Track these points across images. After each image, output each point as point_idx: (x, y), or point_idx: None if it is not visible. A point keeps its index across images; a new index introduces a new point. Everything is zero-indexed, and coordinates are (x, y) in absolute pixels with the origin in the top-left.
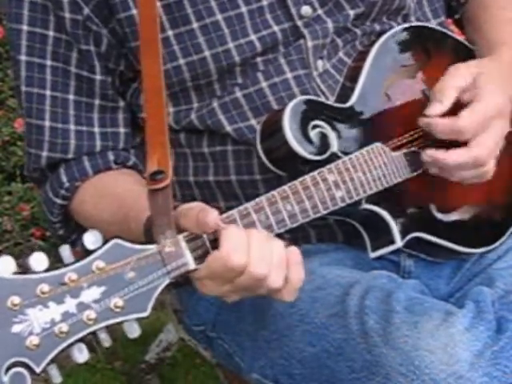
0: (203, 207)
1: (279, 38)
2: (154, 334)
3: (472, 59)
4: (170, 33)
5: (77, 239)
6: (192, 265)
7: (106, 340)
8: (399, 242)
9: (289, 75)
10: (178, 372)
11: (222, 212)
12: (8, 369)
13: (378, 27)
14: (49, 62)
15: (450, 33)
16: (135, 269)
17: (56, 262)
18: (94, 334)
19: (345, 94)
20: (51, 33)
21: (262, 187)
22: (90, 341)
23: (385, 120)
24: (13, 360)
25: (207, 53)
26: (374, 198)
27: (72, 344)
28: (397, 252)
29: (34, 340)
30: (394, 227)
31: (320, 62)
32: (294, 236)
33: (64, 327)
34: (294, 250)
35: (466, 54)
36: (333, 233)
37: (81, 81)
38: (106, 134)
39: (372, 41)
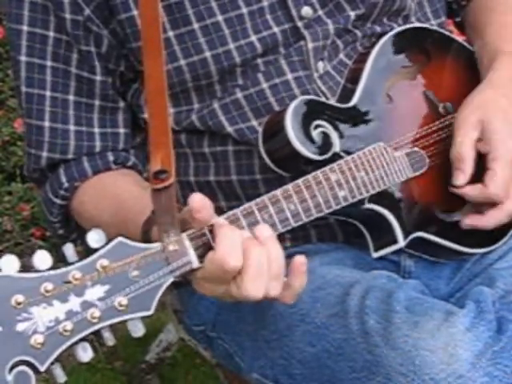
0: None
1: (279, 39)
2: (154, 334)
3: (471, 61)
4: (171, 33)
5: (76, 239)
6: (196, 263)
7: (109, 339)
8: (402, 242)
9: (289, 76)
10: (178, 372)
11: (223, 212)
12: (12, 368)
13: (378, 28)
14: (49, 63)
15: (450, 34)
16: (139, 267)
17: (56, 261)
18: (96, 333)
19: (346, 95)
20: (51, 33)
21: (262, 187)
22: (91, 340)
23: (387, 120)
24: (17, 359)
25: (208, 53)
26: (376, 198)
27: (76, 343)
28: (397, 252)
29: (38, 338)
30: (397, 227)
31: (321, 64)
32: (294, 235)
33: (68, 325)
34: (300, 261)
35: (466, 55)
36: (333, 232)
37: (81, 81)
38: (105, 135)
39: (372, 42)
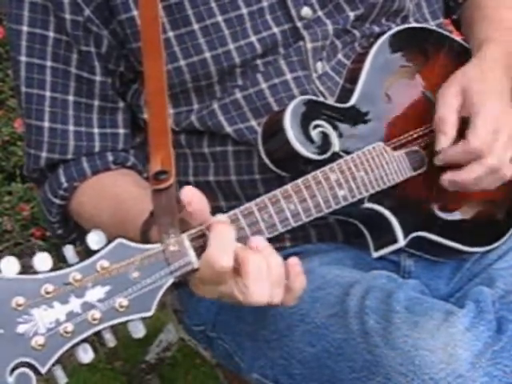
0: None
1: (279, 39)
2: (154, 334)
3: (470, 59)
4: (171, 34)
5: (76, 239)
6: (196, 264)
7: (110, 340)
8: (402, 242)
9: (288, 76)
10: (178, 372)
11: (223, 212)
12: (13, 370)
13: (377, 29)
14: (49, 63)
15: (448, 33)
16: (139, 268)
17: (56, 262)
18: (97, 333)
19: (344, 95)
20: (51, 34)
21: (262, 187)
22: (92, 341)
23: (386, 120)
24: (18, 360)
25: (207, 54)
26: (376, 197)
27: (77, 344)
28: (397, 252)
29: (39, 340)
30: (397, 226)
31: (319, 64)
32: (294, 235)
33: (69, 327)
34: (294, 262)
35: (463, 54)
36: (333, 232)
37: (81, 82)
38: (105, 135)
39: (371, 42)
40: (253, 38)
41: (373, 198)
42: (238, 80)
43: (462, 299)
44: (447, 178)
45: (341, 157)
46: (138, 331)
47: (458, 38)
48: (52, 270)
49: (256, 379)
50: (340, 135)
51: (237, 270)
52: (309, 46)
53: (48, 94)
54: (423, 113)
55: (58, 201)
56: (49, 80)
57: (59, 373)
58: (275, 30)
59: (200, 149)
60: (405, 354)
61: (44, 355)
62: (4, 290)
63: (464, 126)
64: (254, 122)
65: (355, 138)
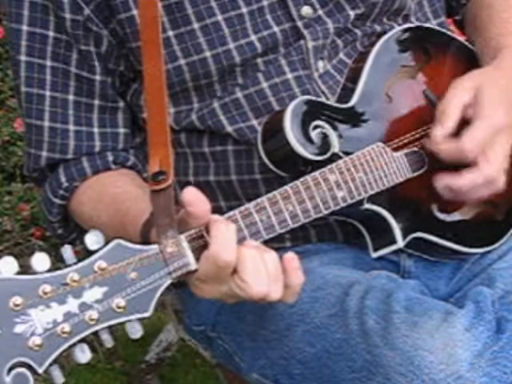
0: None
1: (279, 38)
2: (154, 334)
3: (472, 60)
4: (171, 33)
5: (75, 239)
6: (194, 265)
7: (108, 341)
8: (400, 242)
9: (289, 76)
10: (178, 372)
11: (223, 212)
12: (10, 369)
13: (378, 28)
14: (49, 63)
15: (450, 33)
16: (137, 269)
17: (56, 261)
18: (95, 334)
19: (346, 94)
20: (51, 33)
21: (262, 187)
22: (91, 341)
23: (386, 120)
24: (15, 360)
25: (208, 53)
26: (375, 198)
27: (74, 344)
28: (397, 252)
29: (36, 340)
30: (396, 227)
31: (320, 63)
32: (294, 236)
33: (66, 327)
34: (290, 257)
35: (466, 54)
36: (333, 232)
37: (80, 81)
38: (105, 135)
39: (372, 41)
40: (253, 37)
41: (372, 198)
42: (239, 79)
43: (462, 299)
44: (444, 181)
45: (340, 157)
46: (136, 332)
47: (460, 37)
48: (50, 270)
49: (256, 379)
50: (340, 136)
51: (234, 269)
52: (310, 44)
53: (48, 93)
54: (424, 113)
55: (58, 200)
56: (49, 79)
57: (57, 373)
58: (275, 29)
59: (200, 148)
60: (404, 354)
61: (41, 355)
62: (2, 290)
63: (465, 126)
64: (254, 122)
65: (355, 138)
